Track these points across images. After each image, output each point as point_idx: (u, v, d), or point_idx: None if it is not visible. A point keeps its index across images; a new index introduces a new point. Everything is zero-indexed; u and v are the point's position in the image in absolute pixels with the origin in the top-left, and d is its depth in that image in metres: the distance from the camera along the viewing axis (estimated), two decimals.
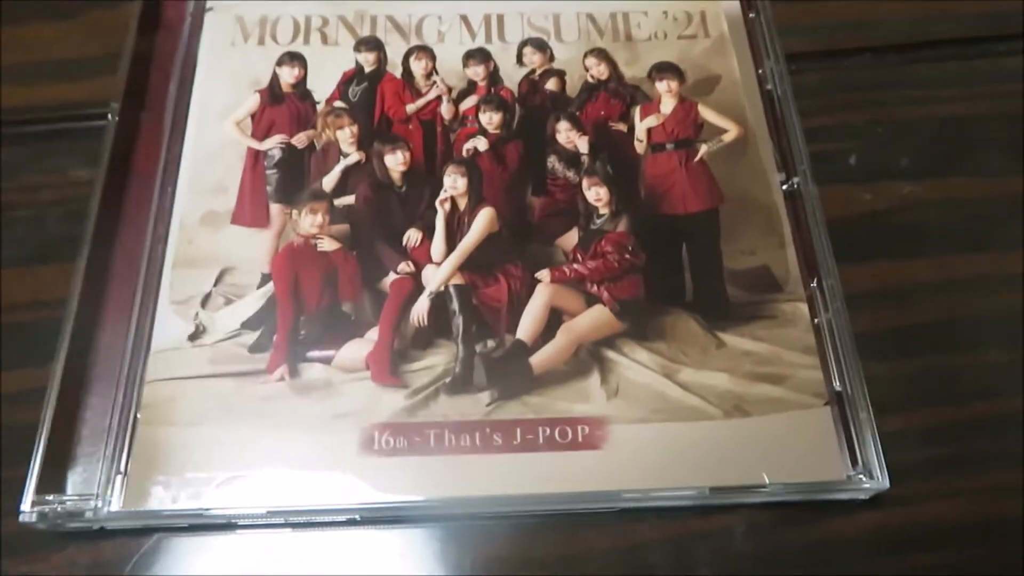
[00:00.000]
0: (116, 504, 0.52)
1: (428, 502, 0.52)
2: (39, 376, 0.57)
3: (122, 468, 0.53)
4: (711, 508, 0.54)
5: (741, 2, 0.71)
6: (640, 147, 0.65)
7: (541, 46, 0.69)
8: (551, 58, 0.69)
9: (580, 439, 0.54)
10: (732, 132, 0.66)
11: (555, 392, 0.56)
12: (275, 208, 0.62)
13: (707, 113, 0.66)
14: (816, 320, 0.59)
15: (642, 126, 0.66)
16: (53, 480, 0.53)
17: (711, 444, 0.54)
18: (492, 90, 0.67)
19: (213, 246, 0.60)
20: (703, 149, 0.65)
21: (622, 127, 0.66)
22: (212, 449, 0.53)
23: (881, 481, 0.53)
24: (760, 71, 0.68)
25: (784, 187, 0.64)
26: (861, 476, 0.53)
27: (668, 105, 0.67)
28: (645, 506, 0.54)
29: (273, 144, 0.64)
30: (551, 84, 0.67)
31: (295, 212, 0.61)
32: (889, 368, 0.60)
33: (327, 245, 0.60)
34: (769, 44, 0.69)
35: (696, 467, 0.54)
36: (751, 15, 0.70)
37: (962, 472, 0.56)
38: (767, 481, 0.53)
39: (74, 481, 0.54)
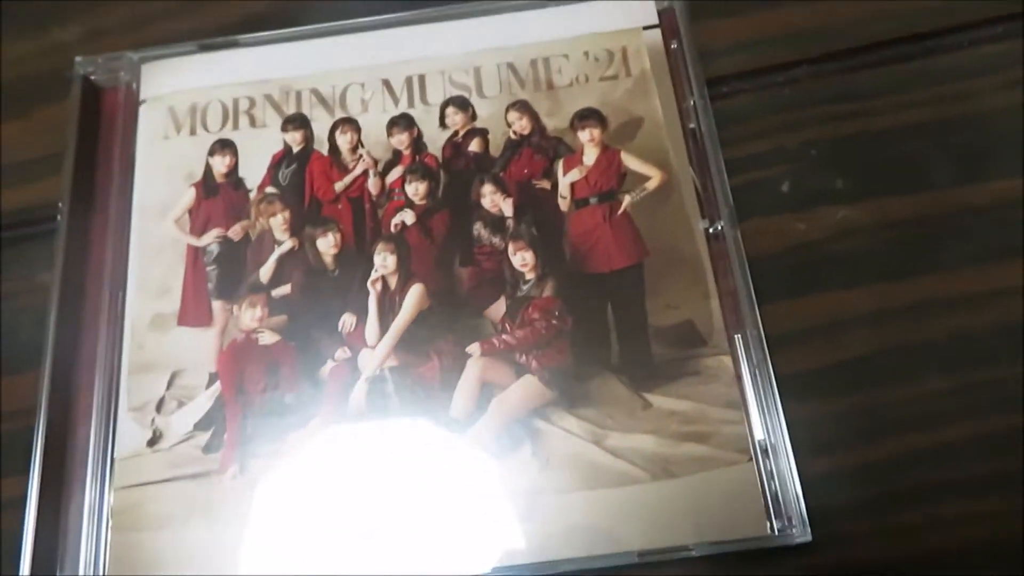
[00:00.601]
0: None
1: None
2: (18, 485, 0.61)
3: (101, 573, 0.59)
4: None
5: (663, 32, 0.70)
6: (564, 204, 0.66)
7: (463, 105, 0.69)
8: (473, 116, 0.69)
9: (514, 514, 0.57)
10: (655, 179, 0.65)
11: (489, 468, 0.59)
12: (217, 305, 0.65)
13: (630, 161, 0.66)
14: (740, 373, 0.60)
15: (565, 181, 0.66)
16: None
17: (640, 508, 0.57)
18: (417, 158, 0.68)
19: (162, 349, 0.64)
20: (626, 201, 0.65)
21: (546, 184, 0.66)
22: (178, 551, 0.58)
23: (804, 534, 0.55)
24: (683, 105, 0.68)
25: (709, 230, 0.64)
26: (785, 530, 0.56)
27: (591, 155, 0.67)
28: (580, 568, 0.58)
29: (210, 239, 0.67)
30: (474, 145, 0.68)
31: (235, 308, 0.64)
32: (824, 407, 0.60)
33: (267, 338, 0.63)
34: (692, 77, 0.67)
35: (626, 531, 0.56)
36: (673, 46, 0.69)
37: (898, 508, 0.58)
38: (691, 543, 0.55)
39: None
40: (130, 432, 0.62)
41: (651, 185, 0.66)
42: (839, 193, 0.67)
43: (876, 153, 0.68)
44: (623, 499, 0.57)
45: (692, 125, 0.67)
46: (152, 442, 0.61)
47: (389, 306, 0.64)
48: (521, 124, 0.68)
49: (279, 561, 0.57)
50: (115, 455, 0.61)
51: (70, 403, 0.64)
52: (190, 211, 0.68)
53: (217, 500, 0.59)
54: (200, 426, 0.61)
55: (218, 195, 0.68)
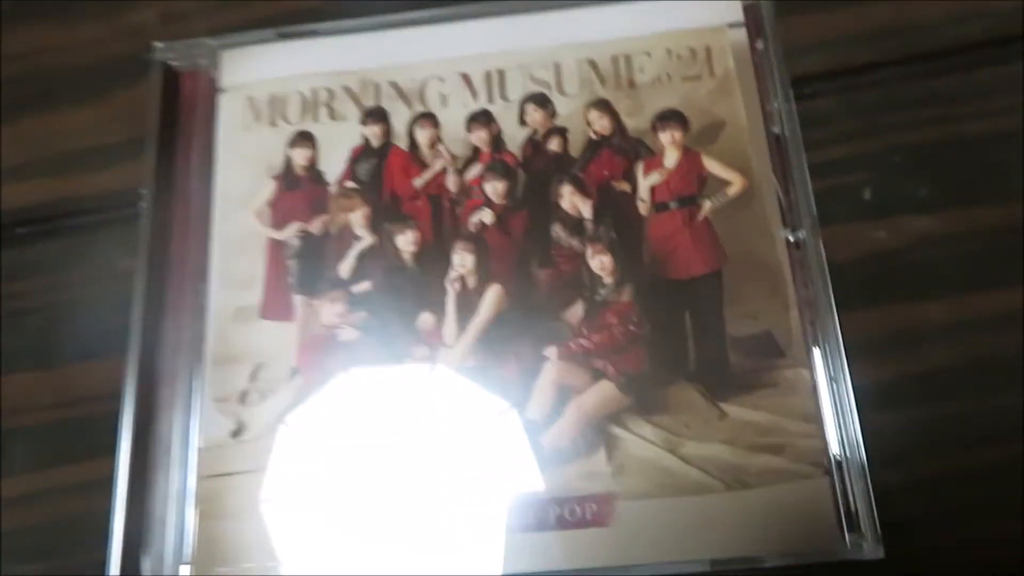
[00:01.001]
0: None
1: None
2: (105, 466, 0.63)
3: (186, 558, 0.61)
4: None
5: (748, 31, 0.68)
6: (643, 207, 0.66)
7: (543, 102, 0.68)
8: (553, 114, 0.68)
9: (588, 516, 0.59)
10: (736, 185, 0.65)
11: (564, 470, 0.60)
12: (298, 299, 0.66)
13: (711, 164, 0.66)
14: (817, 385, 0.60)
15: (645, 184, 0.66)
16: (130, 565, 0.61)
17: (713, 516, 0.58)
18: (496, 156, 0.68)
19: (245, 342, 0.65)
20: (707, 207, 0.65)
21: (626, 187, 0.66)
22: (262, 540, 0.60)
23: (876, 550, 0.56)
24: (767, 108, 0.67)
25: (791, 239, 0.64)
26: (857, 545, 0.56)
27: (671, 158, 0.66)
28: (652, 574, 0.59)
29: (291, 233, 0.68)
30: (554, 144, 0.67)
31: (316, 303, 0.65)
32: (900, 418, 0.61)
33: (348, 335, 0.65)
34: (776, 79, 0.66)
35: (698, 539, 0.57)
36: (758, 45, 0.68)
37: (972, 523, 0.58)
38: (763, 554, 0.56)
39: (150, 565, 0.62)
40: (214, 422, 0.63)
41: (732, 191, 0.65)
42: (921, 201, 0.66)
43: (961, 161, 0.67)
44: (696, 507, 0.58)
45: (776, 130, 0.66)
46: (236, 433, 0.63)
47: (467, 306, 0.64)
48: (602, 124, 0.67)
49: (364, 553, 0.59)
50: (200, 444, 0.63)
51: (153, 390, 0.65)
52: (270, 203, 0.68)
53: (301, 494, 0.61)
54: (283, 419, 0.63)
55: (298, 188, 0.69)
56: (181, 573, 0.60)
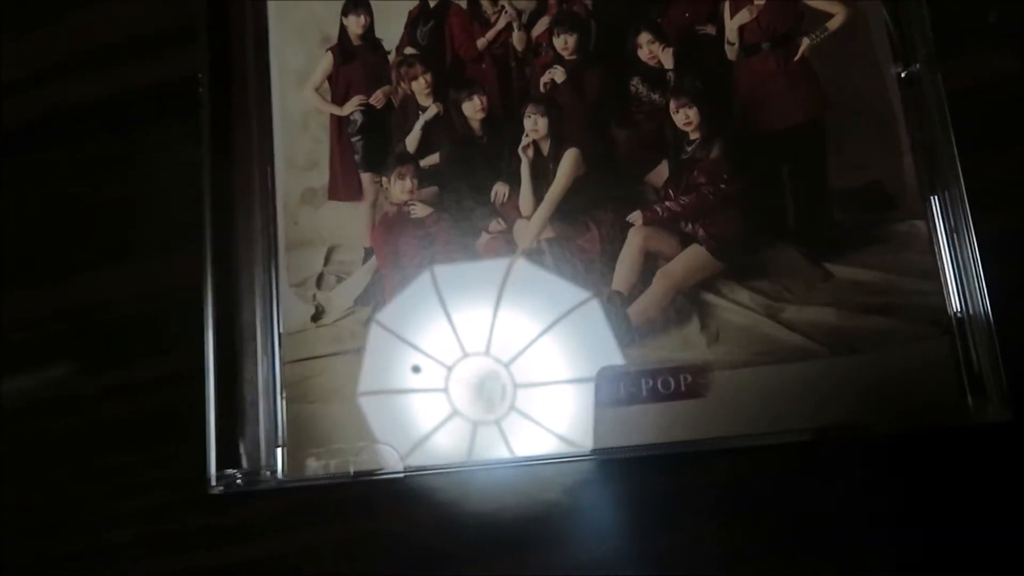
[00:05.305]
0: (280, 473, 0.61)
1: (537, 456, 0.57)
2: (193, 356, 0.62)
3: (280, 441, 0.61)
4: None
5: None
6: (732, 52, 0.59)
7: None
8: None
9: (683, 388, 0.56)
10: (839, 16, 0.57)
11: (655, 342, 0.57)
12: (366, 178, 0.63)
13: None
14: (935, 238, 0.54)
15: (732, 25, 0.59)
16: (227, 452, 0.63)
17: (817, 383, 0.54)
18: (564, 6, 0.61)
19: (316, 225, 0.63)
20: (804, 44, 0.58)
21: (711, 29, 0.59)
22: (348, 421, 0.59)
23: (1003, 412, 0.51)
24: None
25: (903, 74, 0.56)
26: (982, 408, 0.52)
27: None
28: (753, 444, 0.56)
29: (353, 108, 0.64)
30: None
31: (385, 180, 0.62)
32: None
33: (419, 211, 0.61)
34: None
35: (801, 408, 0.54)
36: None
37: None
38: (873, 422, 0.52)
39: (246, 452, 0.62)
40: (294, 308, 0.62)
41: (833, 24, 0.57)
42: None
43: None
44: (799, 374, 0.54)
45: None
46: (315, 317, 0.62)
47: (542, 174, 0.60)
48: None
49: (444, 432, 0.58)
50: (282, 330, 0.63)
51: (231, 279, 0.64)
52: (329, 78, 0.64)
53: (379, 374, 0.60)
54: (361, 301, 0.61)
55: (356, 59, 0.64)
56: (278, 456, 0.61)
